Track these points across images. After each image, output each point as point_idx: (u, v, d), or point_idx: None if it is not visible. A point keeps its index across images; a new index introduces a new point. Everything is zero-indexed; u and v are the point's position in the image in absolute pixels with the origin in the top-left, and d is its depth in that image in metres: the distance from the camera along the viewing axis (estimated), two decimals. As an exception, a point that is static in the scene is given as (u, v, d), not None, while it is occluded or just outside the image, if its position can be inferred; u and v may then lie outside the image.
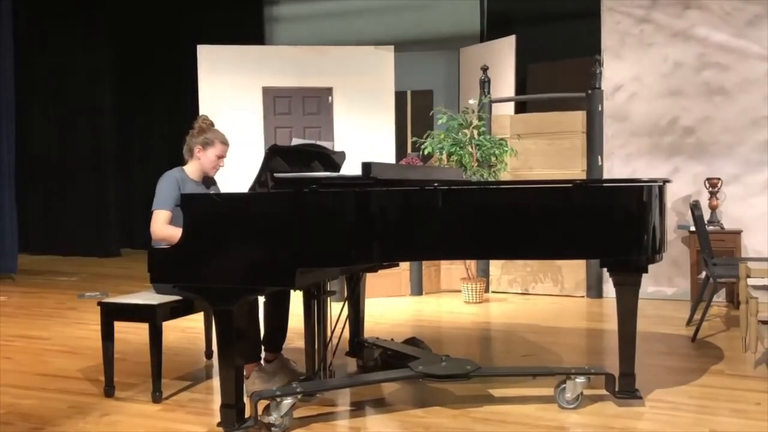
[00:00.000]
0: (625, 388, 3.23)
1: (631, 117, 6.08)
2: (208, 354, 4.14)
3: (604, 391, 3.28)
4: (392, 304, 5.91)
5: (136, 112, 10.10)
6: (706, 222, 4.97)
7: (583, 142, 6.16)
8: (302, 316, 3.40)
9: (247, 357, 3.41)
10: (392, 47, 7.85)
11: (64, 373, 3.89)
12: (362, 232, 2.88)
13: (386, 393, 3.47)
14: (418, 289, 6.36)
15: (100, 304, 3.48)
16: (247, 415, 2.93)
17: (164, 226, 3.41)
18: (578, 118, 6.21)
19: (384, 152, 7.65)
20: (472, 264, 6.24)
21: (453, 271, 6.50)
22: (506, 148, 6.10)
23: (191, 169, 3.64)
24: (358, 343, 3.98)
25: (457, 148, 6.00)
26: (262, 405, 2.93)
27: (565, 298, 6.15)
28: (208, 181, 3.74)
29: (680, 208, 5.91)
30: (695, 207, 4.63)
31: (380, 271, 3.93)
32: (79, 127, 9.77)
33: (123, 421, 3.11)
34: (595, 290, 6.11)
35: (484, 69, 6.56)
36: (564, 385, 3.19)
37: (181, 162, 3.68)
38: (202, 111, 7.35)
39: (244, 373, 3.36)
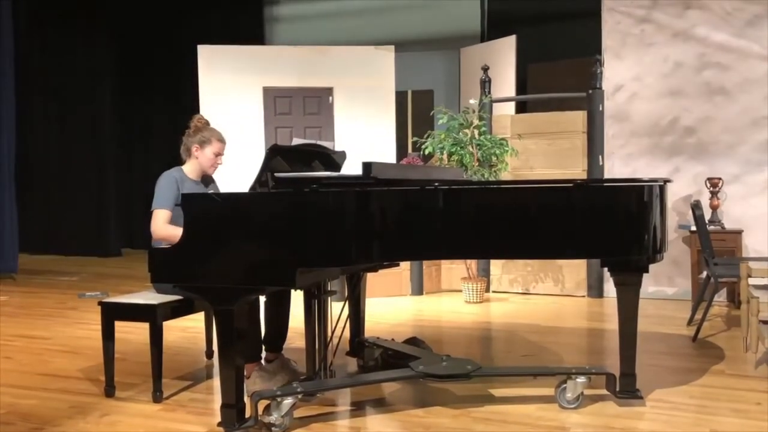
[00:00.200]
0: (625, 388, 3.22)
1: (631, 117, 6.08)
2: (209, 354, 4.14)
3: (604, 391, 3.28)
4: (393, 304, 5.91)
5: (136, 112, 10.10)
6: (706, 222, 4.97)
7: (584, 142, 6.16)
8: (303, 315, 3.40)
9: (248, 357, 3.41)
10: (393, 47, 7.85)
11: (65, 373, 3.89)
12: (363, 231, 2.88)
13: (387, 393, 3.47)
14: (418, 289, 6.36)
15: (100, 303, 3.47)
16: (247, 414, 2.93)
17: (164, 226, 3.41)
18: (579, 118, 6.21)
19: (384, 152, 7.65)
20: (472, 264, 6.24)
21: (453, 270, 6.49)
22: (507, 148, 6.10)
23: (189, 169, 3.64)
24: (358, 343, 3.98)
25: (458, 148, 5.99)
26: (262, 405, 2.93)
27: (565, 297, 6.14)
28: (207, 180, 3.74)
29: (681, 208, 5.90)
30: (696, 207, 4.63)
31: (381, 271, 3.93)
32: (79, 127, 9.78)
33: (123, 421, 3.11)
34: (595, 290, 6.11)
35: (485, 69, 6.56)
36: (565, 385, 3.19)
37: (180, 162, 3.68)
38: (202, 111, 7.34)
39: (245, 372, 3.36)
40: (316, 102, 7.82)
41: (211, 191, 3.69)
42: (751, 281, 4.05)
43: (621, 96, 6.11)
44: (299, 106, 7.80)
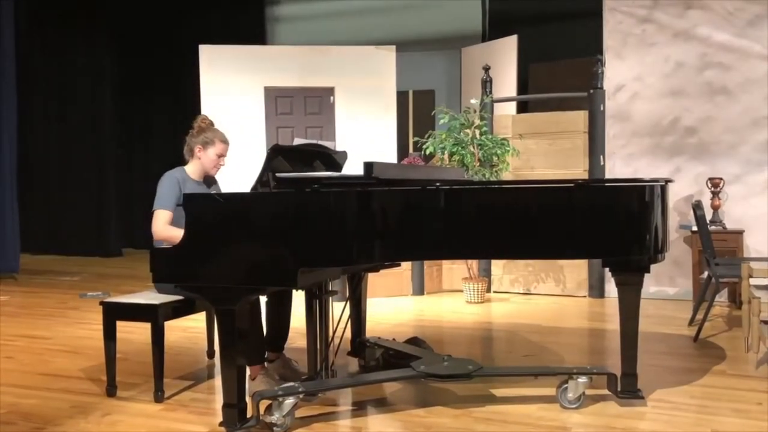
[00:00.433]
0: (627, 388, 3.22)
1: (632, 117, 6.08)
2: (210, 353, 4.14)
3: (606, 391, 3.29)
4: (394, 304, 5.91)
5: (137, 112, 10.11)
6: (708, 222, 4.96)
7: (585, 141, 6.16)
8: (304, 315, 3.40)
9: (253, 360, 3.41)
10: (394, 47, 7.85)
11: (66, 373, 3.89)
12: (364, 231, 2.88)
13: (388, 393, 3.47)
14: (419, 289, 6.36)
15: (102, 303, 3.48)
16: (248, 414, 2.93)
17: (165, 227, 3.41)
18: (580, 117, 6.21)
19: (385, 152, 7.65)
20: (473, 264, 6.24)
21: (455, 270, 6.49)
22: (508, 148, 6.09)
23: (192, 169, 3.64)
24: (359, 343, 3.98)
25: (459, 148, 5.99)
26: (264, 404, 2.93)
27: (566, 298, 6.14)
28: (209, 180, 3.74)
29: (682, 208, 5.90)
30: (697, 207, 4.63)
31: (382, 271, 3.94)
32: (80, 127, 9.79)
33: (125, 421, 3.11)
34: (596, 290, 6.11)
35: (486, 69, 6.56)
36: (566, 385, 3.19)
37: (182, 162, 3.68)
38: (203, 111, 7.35)
39: (251, 375, 3.37)
40: (318, 102, 7.82)
41: (213, 192, 3.69)
42: (752, 281, 4.05)
43: (622, 96, 6.11)
44: (300, 106, 7.80)
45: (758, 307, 3.93)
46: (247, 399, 2.97)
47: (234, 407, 2.89)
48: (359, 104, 7.77)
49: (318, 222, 2.84)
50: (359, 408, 3.28)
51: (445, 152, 6.08)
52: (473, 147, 6.05)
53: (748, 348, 4.14)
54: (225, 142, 3.65)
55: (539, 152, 6.36)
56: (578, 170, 6.16)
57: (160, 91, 9.83)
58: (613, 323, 5.05)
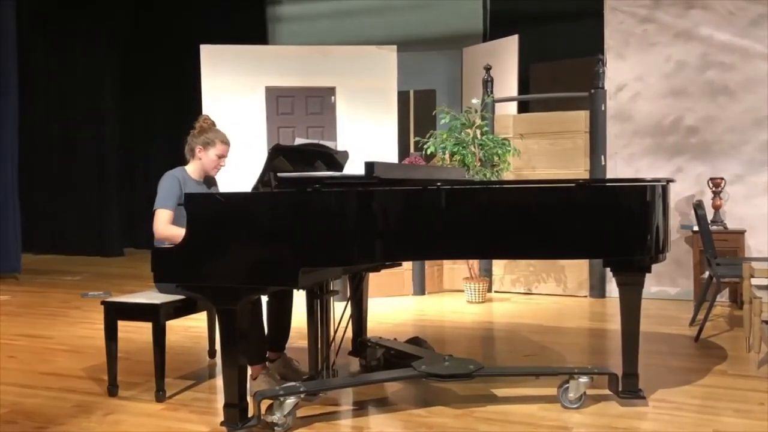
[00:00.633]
0: (628, 387, 3.22)
1: (634, 117, 6.08)
2: (212, 353, 4.14)
3: (607, 391, 3.29)
4: (395, 304, 5.91)
5: (138, 111, 10.12)
6: (709, 222, 4.96)
7: (586, 141, 6.16)
8: (305, 315, 3.41)
9: (254, 359, 3.41)
10: (395, 47, 7.85)
11: (68, 372, 3.90)
12: (365, 231, 2.88)
13: (389, 392, 3.47)
14: (420, 289, 6.37)
15: (103, 303, 3.48)
16: (250, 414, 2.94)
17: (167, 226, 3.41)
18: (581, 117, 6.20)
19: (387, 152, 7.65)
20: (474, 264, 6.24)
21: (456, 270, 6.50)
22: (509, 148, 6.09)
23: (192, 169, 3.65)
24: (360, 343, 3.98)
25: (460, 148, 5.99)
26: (265, 404, 2.93)
27: (568, 297, 6.14)
28: (209, 180, 3.74)
29: (683, 208, 5.90)
30: (698, 207, 4.63)
31: (383, 271, 3.93)
32: (82, 127, 9.80)
33: (126, 420, 3.11)
34: (597, 290, 6.11)
35: (487, 68, 6.56)
36: (567, 385, 3.19)
37: (184, 162, 3.68)
38: (204, 111, 7.35)
39: (252, 374, 3.37)
40: (319, 102, 7.82)
41: (213, 192, 3.69)
42: (754, 281, 4.05)
43: (623, 96, 6.11)
44: (302, 106, 7.80)
45: (759, 307, 3.93)
46: (249, 398, 2.97)
47: (235, 407, 2.90)
48: (360, 104, 7.77)
49: (319, 222, 2.85)
50: (360, 408, 3.28)
51: (446, 152, 6.09)
52: (474, 147, 6.05)
53: (749, 348, 4.14)
54: (226, 143, 3.65)
55: (540, 152, 6.36)
56: (579, 170, 6.16)
57: (161, 90, 9.84)
58: (614, 323, 5.05)
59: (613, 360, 3.90)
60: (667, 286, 5.96)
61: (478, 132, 6.14)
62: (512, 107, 7.45)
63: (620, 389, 3.22)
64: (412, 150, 8.26)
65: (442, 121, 6.22)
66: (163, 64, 9.72)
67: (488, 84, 6.55)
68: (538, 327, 4.99)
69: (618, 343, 3.31)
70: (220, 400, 3.07)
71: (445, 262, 6.53)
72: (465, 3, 8.86)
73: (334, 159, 3.66)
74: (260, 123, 7.67)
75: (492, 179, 5.95)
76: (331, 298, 3.48)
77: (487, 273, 6.42)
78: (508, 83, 7.60)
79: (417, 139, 6.53)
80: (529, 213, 3.07)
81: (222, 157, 3.64)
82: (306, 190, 2.88)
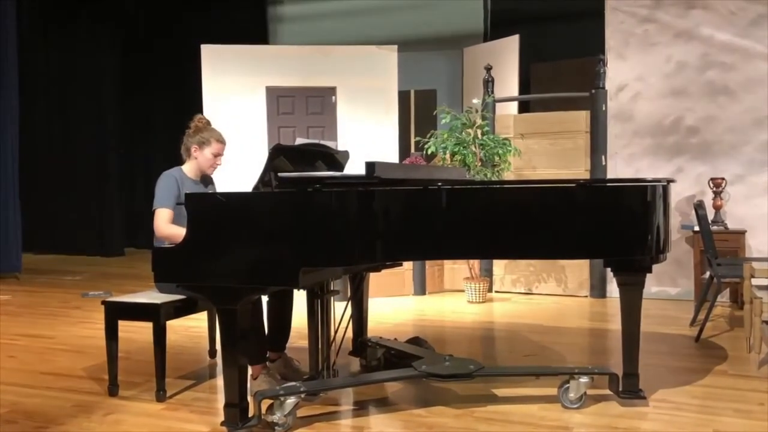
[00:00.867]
0: (628, 388, 3.23)
1: (634, 117, 6.08)
2: (212, 353, 4.15)
3: (607, 391, 3.29)
4: (395, 304, 5.91)
5: (139, 111, 10.12)
6: (709, 222, 4.96)
7: (587, 141, 6.16)
8: (305, 315, 3.41)
9: (254, 359, 3.41)
10: (396, 47, 7.85)
11: (68, 372, 3.90)
12: (366, 231, 2.88)
13: (389, 392, 3.47)
14: (421, 289, 6.37)
15: (104, 303, 3.48)
16: (250, 414, 2.94)
17: (167, 225, 3.41)
18: (582, 117, 6.20)
19: (387, 152, 7.65)
20: (475, 264, 6.24)
21: (456, 270, 6.50)
22: (510, 148, 6.09)
23: (189, 169, 3.65)
24: (361, 343, 3.98)
25: (461, 148, 5.99)
26: (265, 404, 2.93)
27: (568, 297, 6.14)
28: (206, 180, 3.75)
29: (684, 208, 5.90)
30: (699, 207, 4.63)
31: (383, 271, 3.93)
32: (82, 127, 9.80)
33: (127, 420, 3.11)
34: (598, 290, 6.10)
35: (488, 68, 6.56)
36: (567, 385, 3.19)
37: (183, 162, 3.68)
38: (205, 110, 7.36)
39: (252, 374, 3.37)
40: (319, 102, 7.82)
41: (210, 191, 3.70)
42: (754, 282, 4.05)
43: (624, 96, 6.11)
44: (302, 106, 7.80)
45: (760, 307, 3.93)
46: (249, 398, 2.97)
47: (236, 407, 2.90)
48: (361, 104, 7.77)
49: (320, 222, 2.85)
50: (361, 408, 3.28)
51: (447, 152, 6.08)
52: (475, 147, 6.05)
53: (749, 348, 4.14)
54: (221, 141, 3.65)
55: (541, 152, 6.36)
56: (580, 170, 6.16)
57: (161, 90, 9.85)
58: (614, 323, 5.05)
59: (614, 360, 3.90)
60: (667, 286, 5.96)
61: (479, 132, 6.14)
62: (513, 107, 7.45)
63: (621, 389, 3.22)
64: (412, 150, 8.26)
65: (443, 121, 6.22)
66: (164, 64, 9.72)
67: (489, 84, 6.55)
68: (538, 327, 4.99)
69: (618, 343, 3.31)
70: (221, 399, 3.07)
71: (445, 262, 6.53)
72: (466, 3, 8.86)
73: (335, 159, 3.66)
74: (261, 123, 7.67)
75: (493, 179, 5.95)
76: (332, 298, 3.48)
77: (488, 273, 6.42)
78: (508, 83, 7.60)
79: (418, 139, 6.53)
80: (529, 213, 3.07)
81: (218, 155, 3.64)
82: (307, 190, 2.88)
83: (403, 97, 8.51)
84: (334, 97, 7.81)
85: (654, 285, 5.85)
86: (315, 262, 2.88)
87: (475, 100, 6.42)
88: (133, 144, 10.19)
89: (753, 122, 5.72)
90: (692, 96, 5.90)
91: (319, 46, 8.03)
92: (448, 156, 6.13)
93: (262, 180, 3.15)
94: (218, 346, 3.50)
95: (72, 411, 3.23)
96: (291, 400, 2.93)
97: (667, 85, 5.98)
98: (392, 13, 9.06)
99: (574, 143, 6.24)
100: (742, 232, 5.59)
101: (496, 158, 6.07)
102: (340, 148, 3.82)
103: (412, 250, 3.04)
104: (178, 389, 3.52)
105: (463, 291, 6.18)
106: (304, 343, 3.54)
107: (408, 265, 6.22)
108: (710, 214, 5.39)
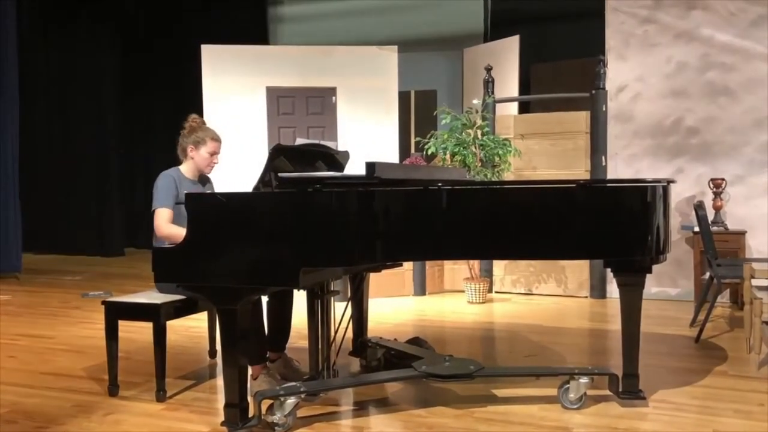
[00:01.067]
0: (628, 388, 3.22)
1: (634, 117, 6.08)
2: (212, 353, 4.15)
3: (607, 392, 3.29)
4: (395, 304, 5.91)
5: (139, 111, 10.12)
6: (710, 222, 4.96)
7: (587, 142, 6.16)
8: (305, 315, 3.41)
9: (254, 359, 3.41)
10: (396, 47, 7.85)
11: (68, 372, 3.90)
12: (366, 231, 2.88)
13: (389, 393, 3.48)
14: (421, 289, 6.37)
15: (104, 303, 3.48)
16: (250, 414, 2.94)
17: (168, 225, 3.42)
18: (582, 118, 6.20)
19: (387, 152, 7.65)
20: (475, 264, 6.24)
21: (456, 271, 6.50)
22: (510, 149, 6.09)
23: (186, 169, 3.65)
24: (361, 343, 3.98)
25: (461, 148, 5.99)
26: (265, 404, 2.93)
27: (568, 298, 6.14)
28: (203, 179, 3.75)
29: (684, 209, 5.90)
30: (699, 207, 4.63)
31: (383, 271, 3.94)
32: (82, 127, 9.80)
33: (127, 420, 3.11)
34: (598, 291, 6.10)
35: (488, 69, 6.56)
36: (567, 386, 3.19)
37: (181, 162, 3.69)
38: (205, 110, 7.37)
39: (252, 374, 3.37)
40: (320, 102, 7.82)
41: (208, 191, 3.70)
42: (754, 282, 4.05)
43: (624, 96, 6.11)
44: (302, 106, 7.81)
45: (760, 308, 3.93)
46: (249, 398, 2.97)
47: (236, 407, 2.90)
48: (361, 104, 7.77)
49: (320, 222, 2.85)
50: (361, 408, 3.28)
51: (447, 152, 6.08)
52: (475, 147, 6.06)
53: (749, 349, 4.14)
54: (217, 140, 3.65)
55: (541, 153, 6.36)
56: (580, 171, 6.16)
57: (161, 90, 9.84)
58: (614, 324, 5.05)
59: (614, 360, 3.90)
60: (667, 286, 5.96)
61: (479, 132, 6.14)
62: (513, 108, 7.45)
63: (621, 390, 3.22)
64: (412, 150, 8.26)
65: (443, 121, 6.22)
66: (164, 64, 9.72)
67: (489, 84, 6.55)
68: (538, 327, 4.99)
69: (618, 343, 3.31)
70: (221, 400, 3.07)
71: (445, 262, 6.53)
72: (466, 3, 8.86)
73: (335, 159, 3.66)
74: (261, 123, 7.67)
75: (493, 180, 5.95)
76: (332, 298, 3.48)
77: (488, 273, 6.42)
78: (508, 84, 7.60)
79: (418, 139, 6.53)
80: (529, 213, 3.07)
81: (214, 154, 3.64)
82: (307, 190, 2.89)
83: (404, 97, 8.51)
84: (334, 98, 7.81)
85: (654, 285, 5.85)
86: (315, 262, 2.89)
87: (475, 101, 6.42)
88: (133, 144, 10.18)
89: (753, 123, 5.72)
90: (692, 97, 5.90)
91: (320, 46, 8.03)
92: (448, 156, 6.13)
93: (263, 180, 3.15)
94: (218, 347, 3.50)
95: (72, 411, 3.23)
96: (291, 401, 2.93)
97: (667, 86, 5.98)
98: (392, 13, 9.06)
99: (575, 144, 6.24)
100: (742, 233, 5.60)
101: (497, 159, 6.07)
102: (341, 148, 3.82)
103: (412, 251, 3.04)
104: (178, 389, 3.52)
105: (463, 291, 6.18)
106: (304, 343, 3.54)
107: (408, 266, 6.22)
108: (710, 215, 5.39)
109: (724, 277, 4.40)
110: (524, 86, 7.82)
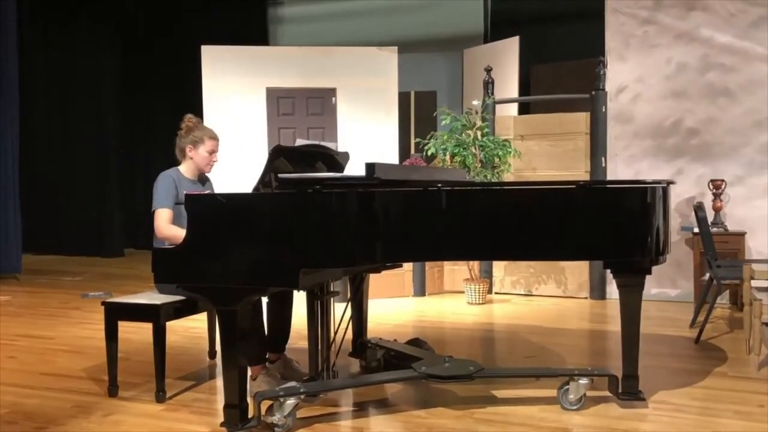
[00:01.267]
0: (628, 389, 3.23)
1: (634, 118, 6.08)
2: (212, 354, 4.15)
3: (607, 393, 3.29)
4: (395, 305, 5.91)
5: (139, 112, 10.12)
6: (709, 223, 4.96)
7: (587, 143, 6.16)
8: (305, 316, 3.41)
9: (254, 359, 3.41)
10: (396, 48, 7.85)
11: (68, 373, 3.90)
12: (366, 232, 2.88)
13: (389, 393, 3.48)
14: (421, 290, 6.36)
15: (103, 303, 3.48)
16: (250, 415, 2.94)
17: (168, 225, 3.42)
18: (582, 119, 6.21)
19: (387, 153, 7.65)
20: (475, 265, 6.24)
21: (456, 272, 6.50)
22: (510, 149, 6.09)
23: (186, 169, 3.65)
24: (361, 344, 3.98)
25: (461, 149, 5.99)
26: (265, 405, 2.93)
27: (568, 299, 6.14)
28: (203, 179, 3.75)
29: (684, 210, 5.90)
30: (699, 208, 4.63)
31: (383, 272, 3.94)
32: (82, 127, 9.80)
33: (126, 421, 3.11)
34: (598, 291, 6.10)
35: (488, 70, 6.56)
36: (567, 387, 3.19)
37: (179, 163, 3.69)
38: (205, 111, 7.36)
39: (251, 374, 3.37)
40: (319, 103, 7.82)
41: (208, 191, 3.70)
42: (754, 283, 4.05)
43: (624, 97, 6.11)
44: (302, 107, 7.80)
45: (760, 309, 3.93)
46: (249, 399, 2.97)
47: (235, 407, 2.90)
48: (361, 105, 7.77)
49: (320, 223, 2.85)
50: (360, 409, 3.28)
51: (447, 153, 6.08)
52: (475, 148, 6.06)
53: (749, 350, 4.14)
54: (214, 138, 3.65)
55: (541, 153, 6.37)
56: (580, 172, 6.16)
57: (161, 91, 9.84)
58: (614, 325, 5.05)
59: (614, 362, 3.90)
60: (667, 287, 5.96)
61: (479, 133, 6.14)
62: (513, 109, 7.45)
63: (620, 391, 3.22)
64: (412, 151, 8.25)
65: (443, 122, 6.22)
66: (164, 64, 9.72)
67: (489, 85, 6.55)
68: (538, 328, 4.99)
69: (618, 344, 3.31)
70: (221, 400, 3.07)
71: (445, 263, 6.53)
72: (466, 4, 8.87)
73: (335, 160, 3.66)
74: (261, 124, 7.67)
75: (493, 180, 5.95)
76: (332, 299, 3.48)
77: (488, 274, 6.42)
78: (508, 85, 7.60)
79: (418, 140, 6.53)
80: (529, 214, 3.07)
81: (213, 152, 3.64)
82: (307, 191, 2.89)
83: (404, 98, 8.51)
84: (334, 98, 7.81)
85: (654, 286, 5.85)
86: (315, 263, 2.89)
87: (475, 102, 6.42)
88: (133, 144, 10.18)
89: (753, 124, 5.72)
90: (692, 97, 5.90)
91: (320, 47, 8.03)
92: (448, 157, 6.14)
93: (263, 181, 3.15)
94: (218, 347, 3.50)
95: (72, 411, 3.23)
96: (291, 401, 2.93)
97: (667, 87, 5.98)
98: (392, 14, 9.06)
99: (574, 145, 6.24)
100: (742, 234, 5.60)
101: (496, 160, 6.07)
102: (340, 149, 3.82)
103: (412, 251, 3.04)
104: (177, 390, 3.52)
105: (462, 292, 6.18)
106: (304, 344, 3.54)
107: (408, 267, 6.22)
108: (710, 216, 5.39)
109: (724, 278, 4.40)
110: (524, 87, 7.82)
